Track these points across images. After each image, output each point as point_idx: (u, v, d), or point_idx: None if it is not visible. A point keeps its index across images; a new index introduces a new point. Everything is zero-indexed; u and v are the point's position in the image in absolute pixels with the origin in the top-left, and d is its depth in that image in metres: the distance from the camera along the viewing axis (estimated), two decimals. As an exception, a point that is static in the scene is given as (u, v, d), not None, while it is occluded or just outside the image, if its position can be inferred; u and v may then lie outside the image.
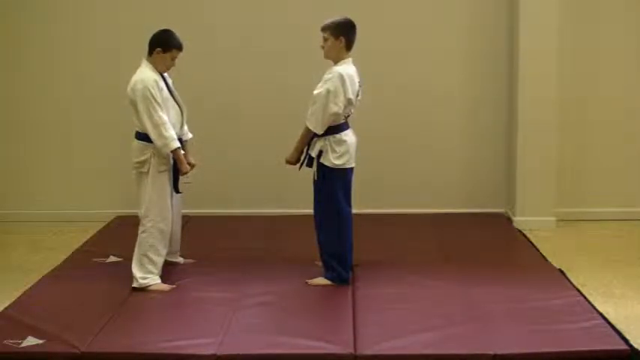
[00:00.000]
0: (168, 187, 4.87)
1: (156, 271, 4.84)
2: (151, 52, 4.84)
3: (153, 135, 4.69)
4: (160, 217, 4.83)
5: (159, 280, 4.83)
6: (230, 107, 6.74)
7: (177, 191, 4.98)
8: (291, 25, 6.55)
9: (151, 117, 4.67)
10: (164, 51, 4.81)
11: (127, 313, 4.43)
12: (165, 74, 4.94)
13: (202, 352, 3.89)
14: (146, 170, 4.80)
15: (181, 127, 4.98)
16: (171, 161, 4.86)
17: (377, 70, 6.39)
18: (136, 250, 4.84)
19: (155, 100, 4.69)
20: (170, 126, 4.72)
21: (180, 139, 4.86)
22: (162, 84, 4.80)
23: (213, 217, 6.61)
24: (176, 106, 4.92)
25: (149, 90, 4.68)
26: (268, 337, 4.08)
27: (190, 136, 5.12)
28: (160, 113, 4.69)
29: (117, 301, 4.59)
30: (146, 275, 4.80)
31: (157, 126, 4.67)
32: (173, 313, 4.49)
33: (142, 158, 4.80)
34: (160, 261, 4.87)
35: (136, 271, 4.80)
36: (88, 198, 6.85)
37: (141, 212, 4.84)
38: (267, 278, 5.01)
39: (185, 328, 4.22)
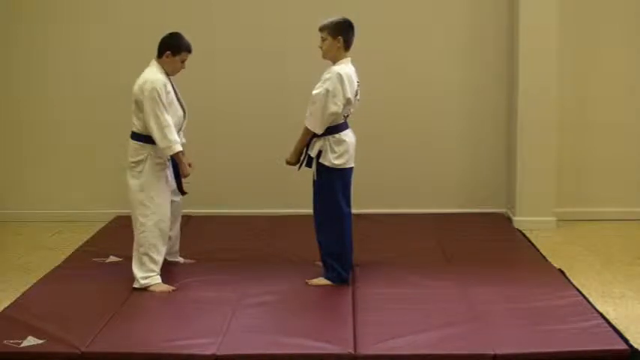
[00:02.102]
0: (165, 185, 4.87)
1: (157, 269, 4.83)
2: (160, 55, 4.86)
3: (157, 136, 4.69)
4: (159, 216, 4.83)
5: (159, 280, 4.83)
6: (230, 107, 6.74)
7: (183, 193, 5.00)
8: (291, 25, 6.55)
9: (157, 118, 4.68)
10: (174, 54, 4.83)
11: (127, 313, 4.43)
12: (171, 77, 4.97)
13: (202, 352, 3.89)
14: (141, 170, 4.80)
15: (180, 130, 4.98)
16: (169, 163, 4.88)
17: (377, 69, 6.40)
18: (136, 249, 4.84)
19: (162, 103, 4.70)
20: (174, 129, 4.74)
21: None
22: (170, 87, 4.82)
23: (213, 217, 6.61)
24: (179, 110, 4.93)
25: (157, 91, 4.69)
26: (268, 337, 4.08)
27: (184, 140, 5.12)
28: (166, 116, 4.70)
29: (117, 301, 4.59)
30: (148, 274, 4.79)
31: (162, 128, 4.68)
32: (173, 313, 4.49)
33: (138, 158, 4.81)
34: (160, 260, 4.86)
35: (137, 271, 4.79)
36: (88, 198, 6.85)
37: (138, 212, 4.83)
38: (267, 278, 5.01)
39: (185, 328, 4.21)
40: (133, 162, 4.83)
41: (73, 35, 6.71)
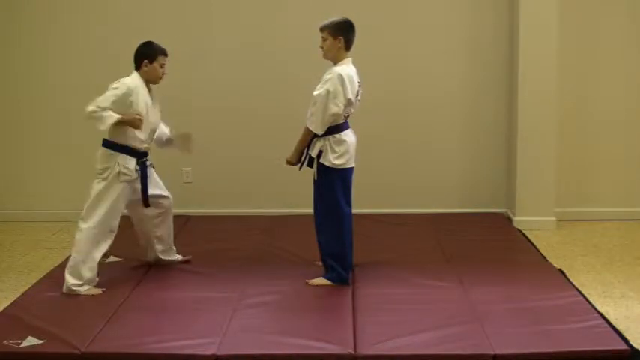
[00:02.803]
0: (122, 198, 4.84)
1: (91, 276, 4.77)
2: (138, 66, 4.87)
3: (92, 115, 4.69)
4: (104, 226, 4.79)
5: (88, 287, 4.76)
6: (230, 107, 6.74)
7: (146, 205, 4.97)
8: (291, 25, 6.55)
9: (97, 101, 4.69)
10: (151, 61, 4.85)
11: (127, 313, 4.43)
12: (152, 90, 4.96)
13: (202, 352, 3.89)
14: (106, 177, 4.79)
15: (150, 142, 4.98)
16: (139, 173, 4.86)
17: (377, 70, 6.40)
18: (74, 253, 4.78)
19: (114, 95, 4.70)
20: (106, 111, 4.68)
21: (146, 153, 4.92)
22: (141, 96, 4.79)
23: (213, 217, 6.61)
24: (150, 121, 4.89)
25: (119, 89, 4.72)
26: (268, 337, 4.08)
27: (169, 134, 5.15)
28: (105, 105, 4.67)
29: (117, 301, 4.59)
30: (78, 282, 4.73)
31: (94, 111, 4.68)
32: (173, 313, 4.49)
33: (105, 165, 4.80)
34: (95, 267, 4.80)
35: (68, 276, 4.73)
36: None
37: (83, 215, 4.81)
38: (267, 278, 5.01)
39: (185, 328, 4.21)
40: (99, 169, 4.81)
41: (73, 35, 6.71)
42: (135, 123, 4.74)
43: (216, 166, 6.76)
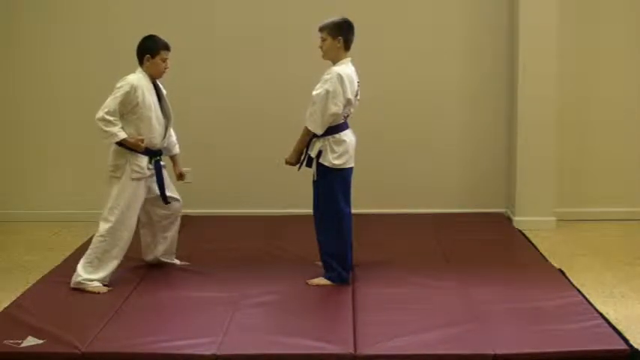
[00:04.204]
0: (138, 196, 4.85)
1: (103, 277, 4.79)
2: (141, 61, 4.87)
3: (98, 123, 4.69)
4: (122, 225, 4.80)
5: (99, 284, 4.77)
6: (230, 107, 6.74)
7: (166, 202, 4.99)
8: (291, 25, 6.55)
9: (105, 107, 4.69)
10: (153, 56, 4.84)
11: (127, 313, 4.43)
12: (160, 85, 4.96)
13: (202, 352, 3.89)
14: (119, 175, 4.80)
15: (163, 138, 4.97)
16: (152, 171, 4.87)
17: (377, 70, 6.40)
18: (90, 250, 4.79)
19: (120, 96, 4.69)
20: (114, 122, 4.70)
21: (160, 151, 4.93)
22: (147, 92, 4.79)
23: (213, 217, 6.61)
24: (160, 116, 4.91)
25: (123, 88, 4.72)
26: (268, 337, 4.08)
27: (177, 152, 5.14)
28: (114, 109, 4.68)
29: (117, 301, 4.59)
30: (91, 277, 4.75)
31: (103, 119, 4.69)
32: (173, 313, 4.49)
33: (117, 163, 4.81)
34: (111, 268, 4.82)
35: (82, 271, 4.75)
36: (88, 198, 6.84)
37: (103, 215, 4.82)
38: (267, 278, 5.01)
39: (185, 328, 4.21)
40: (112, 165, 4.83)
41: (74, 35, 6.71)
42: (137, 146, 4.77)
43: (216, 166, 6.76)
